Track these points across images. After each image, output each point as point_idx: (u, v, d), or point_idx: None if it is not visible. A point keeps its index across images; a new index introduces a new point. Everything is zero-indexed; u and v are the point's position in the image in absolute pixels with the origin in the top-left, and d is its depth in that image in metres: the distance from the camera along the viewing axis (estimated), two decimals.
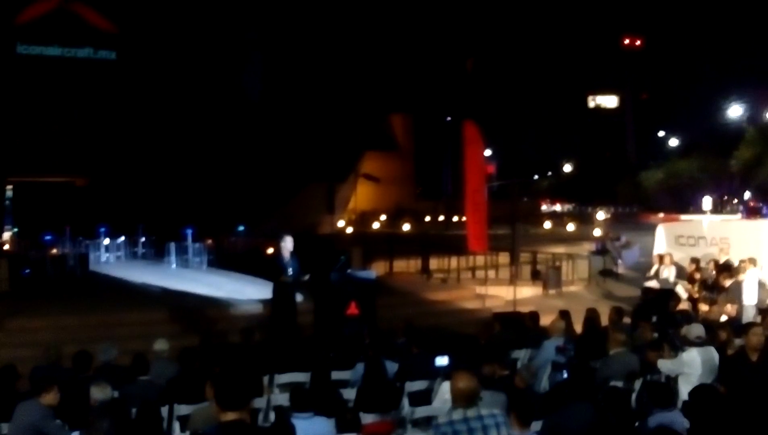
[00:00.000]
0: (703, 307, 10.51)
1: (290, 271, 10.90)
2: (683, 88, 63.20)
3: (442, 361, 6.94)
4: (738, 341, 8.04)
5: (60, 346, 8.49)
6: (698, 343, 7.28)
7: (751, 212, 33.24)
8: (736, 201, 48.49)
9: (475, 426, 4.62)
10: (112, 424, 4.90)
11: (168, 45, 29.24)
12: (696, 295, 11.91)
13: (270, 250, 20.25)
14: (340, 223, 35.92)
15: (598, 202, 52.23)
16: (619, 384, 7.15)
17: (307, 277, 11.07)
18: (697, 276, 12.71)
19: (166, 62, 29.19)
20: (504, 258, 18.85)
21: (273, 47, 32.90)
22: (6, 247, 23.67)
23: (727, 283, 11.57)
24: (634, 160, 66.51)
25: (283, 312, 10.97)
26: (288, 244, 11.04)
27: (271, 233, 22.37)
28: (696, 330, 7.47)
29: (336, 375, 7.69)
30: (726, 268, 12.23)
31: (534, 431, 5.50)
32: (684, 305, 10.88)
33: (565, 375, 7.15)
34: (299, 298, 11.48)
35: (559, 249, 22.00)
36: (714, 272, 12.64)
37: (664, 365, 7.34)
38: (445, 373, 6.83)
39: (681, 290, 12.73)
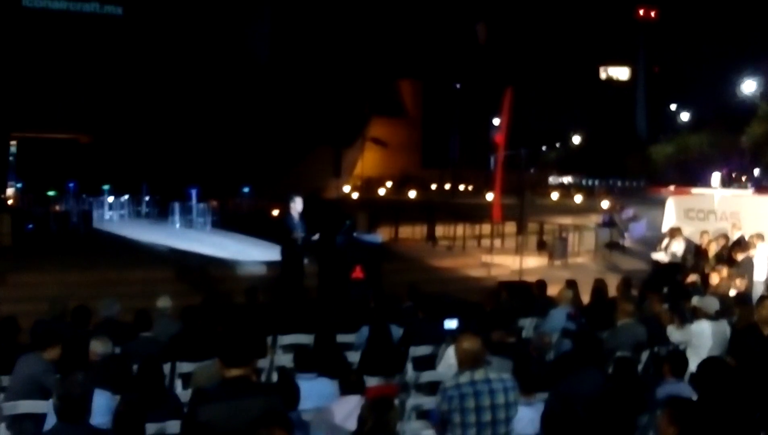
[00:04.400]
0: (714, 280, 10.40)
1: (299, 232, 10.81)
2: (696, 62, 62.38)
3: (450, 324, 6.85)
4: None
5: (65, 301, 8.45)
6: (714, 317, 7.19)
7: (761, 189, 32.95)
8: (744, 178, 48.13)
9: (482, 389, 4.54)
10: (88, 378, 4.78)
11: (175, 2, 28.83)
12: (709, 270, 11.74)
13: (275, 212, 20.24)
14: (346, 189, 35.84)
15: (606, 175, 51.94)
16: (627, 355, 7.07)
17: (316, 236, 10.96)
18: (714, 247, 12.58)
19: (173, 20, 28.81)
20: (510, 227, 18.74)
21: (282, 9, 32.45)
22: (9, 202, 23.67)
23: (740, 257, 11.47)
24: (644, 134, 65.98)
25: (291, 272, 10.90)
26: (297, 205, 10.97)
27: (276, 195, 22.28)
28: (713, 304, 7.37)
29: (340, 338, 7.62)
30: (739, 243, 12.11)
31: (540, 399, 5.42)
32: (693, 278, 10.79)
33: (572, 344, 7.06)
34: (305, 260, 11.40)
35: (566, 220, 21.87)
36: (729, 246, 12.53)
37: (673, 334, 7.26)
38: (453, 337, 6.74)
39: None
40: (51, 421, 4.92)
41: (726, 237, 12.99)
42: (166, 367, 6.46)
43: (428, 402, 5.96)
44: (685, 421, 4.16)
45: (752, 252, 11.68)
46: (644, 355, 7.33)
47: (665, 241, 13.45)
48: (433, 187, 42.90)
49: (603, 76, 76.73)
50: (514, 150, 17.73)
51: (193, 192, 20.27)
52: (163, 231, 18.66)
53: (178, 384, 6.66)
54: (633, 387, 5.75)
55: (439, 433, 4.94)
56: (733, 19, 58.17)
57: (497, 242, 18.37)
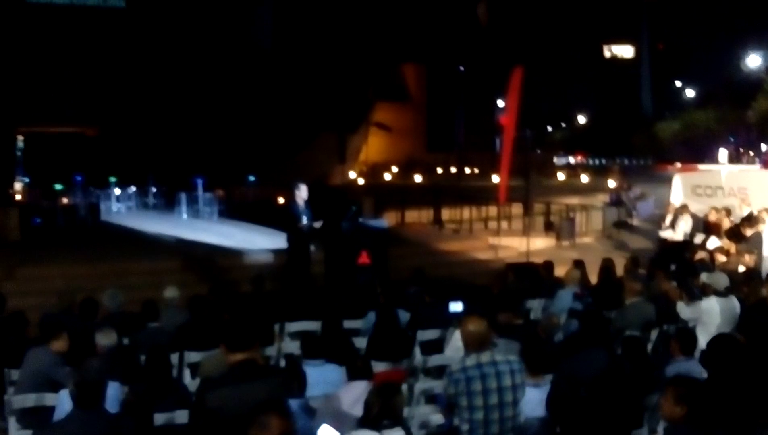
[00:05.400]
0: (721, 257, 10.33)
1: (305, 219, 10.79)
2: (701, 38, 61.82)
3: (456, 306, 6.82)
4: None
5: (73, 294, 8.47)
6: (723, 293, 7.15)
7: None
8: (752, 153, 47.80)
9: (488, 371, 4.51)
10: (102, 365, 4.82)
11: None
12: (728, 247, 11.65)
13: (281, 200, 20.24)
14: (352, 175, 35.78)
15: (612, 154, 51.73)
16: (635, 334, 7.04)
17: (319, 223, 10.94)
18: (726, 224, 12.50)
19: (175, 10, 28.73)
20: (517, 209, 18.67)
21: None
22: (17, 196, 23.74)
23: (749, 232, 11.38)
24: (649, 111, 65.53)
25: (298, 260, 10.88)
26: (302, 192, 10.91)
27: (282, 183, 22.30)
28: (722, 280, 7.33)
29: (347, 324, 7.61)
30: (748, 219, 12.03)
31: (548, 381, 5.40)
32: (702, 255, 10.72)
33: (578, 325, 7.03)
34: (312, 247, 11.37)
35: (573, 200, 21.76)
36: (734, 221, 12.45)
37: (683, 310, 7.23)
38: (459, 321, 6.72)
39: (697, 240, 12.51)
40: (60, 413, 4.95)
41: (729, 211, 12.90)
42: (174, 357, 6.47)
43: (437, 386, 5.95)
44: (693, 401, 4.12)
45: (761, 227, 11.57)
46: (653, 334, 7.29)
47: (669, 218, 13.37)
48: (439, 170, 42.78)
49: (607, 54, 76.12)
50: (520, 131, 17.67)
51: (199, 182, 20.30)
52: (169, 221, 18.69)
53: (187, 374, 6.67)
54: (642, 366, 5.72)
55: (447, 416, 4.93)
56: None
57: (504, 224, 18.31)
